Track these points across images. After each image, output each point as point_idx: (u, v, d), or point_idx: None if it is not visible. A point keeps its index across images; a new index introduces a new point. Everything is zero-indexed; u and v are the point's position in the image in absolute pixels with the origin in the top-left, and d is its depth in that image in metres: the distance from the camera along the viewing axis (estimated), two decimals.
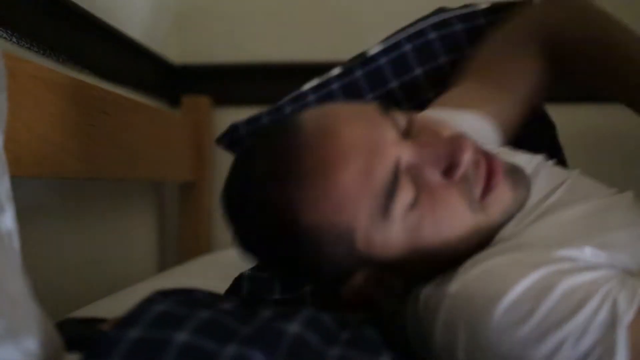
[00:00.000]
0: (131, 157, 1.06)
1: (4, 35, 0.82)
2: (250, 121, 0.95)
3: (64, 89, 0.83)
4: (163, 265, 1.48)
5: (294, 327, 0.47)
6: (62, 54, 0.98)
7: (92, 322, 0.71)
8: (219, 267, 1.13)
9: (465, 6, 0.90)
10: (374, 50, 0.90)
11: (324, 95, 0.89)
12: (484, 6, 0.89)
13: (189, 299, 0.50)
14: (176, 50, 1.55)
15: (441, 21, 0.88)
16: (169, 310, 0.46)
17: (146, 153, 1.14)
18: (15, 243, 0.47)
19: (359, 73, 0.89)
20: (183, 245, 1.47)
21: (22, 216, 0.49)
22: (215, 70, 1.56)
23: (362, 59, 0.90)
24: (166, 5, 1.52)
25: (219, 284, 0.97)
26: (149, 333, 0.43)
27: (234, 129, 0.96)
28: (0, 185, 0.47)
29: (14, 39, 0.85)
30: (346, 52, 1.52)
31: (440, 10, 0.91)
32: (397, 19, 1.53)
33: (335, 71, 0.91)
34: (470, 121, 0.74)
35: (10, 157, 0.55)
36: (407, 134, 0.58)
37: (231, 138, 0.96)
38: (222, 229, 1.09)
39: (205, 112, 1.51)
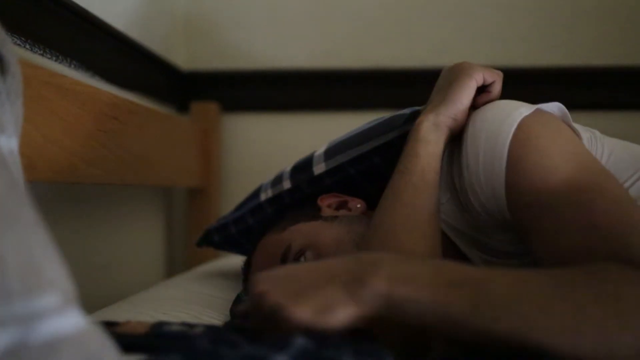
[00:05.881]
0: (141, 163, 1.07)
1: (18, 42, 0.83)
2: (220, 228, 1.04)
3: (76, 95, 0.84)
4: (171, 271, 1.48)
5: None
6: (74, 60, 0.99)
7: (102, 325, 0.71)
8: (227, 273, 1.14)
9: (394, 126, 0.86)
10: (318, 167, 0.91)
11: (280, 207, 0.95)
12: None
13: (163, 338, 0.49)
14: (185, 57, 1.56)
15: (383, 144, 0.86)
16: None
17: (155, 159, 1.14)
18: None
19: (307, 190, 0.92)
20: (191, 251, 1.47)
21: None
22: (223, 76, 1.57)
23: (308, 176, 0.91)
24: (175, 12, 1.53)
25: (226, 291, 0.98)
26: None
27: (208, 233, 1.06)
28: None
29: (28, 46, 0.85)
30: (353, 59, 1.54)
31: (384, 125, 0.87)
32: (402, 24, 1.55)
33: (286, 185, 0.94)
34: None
35: (24, 163, 0.55)
36: None
37: (208, 242, 1.06)
38: None
39: (214, 118, 1.52)
